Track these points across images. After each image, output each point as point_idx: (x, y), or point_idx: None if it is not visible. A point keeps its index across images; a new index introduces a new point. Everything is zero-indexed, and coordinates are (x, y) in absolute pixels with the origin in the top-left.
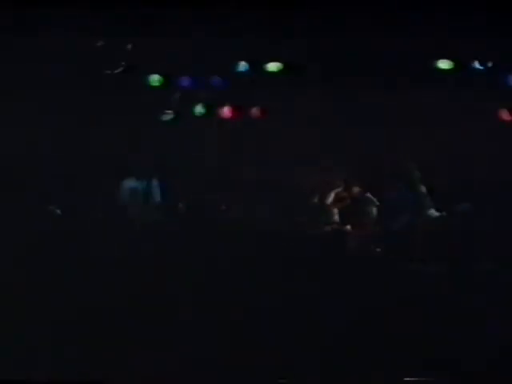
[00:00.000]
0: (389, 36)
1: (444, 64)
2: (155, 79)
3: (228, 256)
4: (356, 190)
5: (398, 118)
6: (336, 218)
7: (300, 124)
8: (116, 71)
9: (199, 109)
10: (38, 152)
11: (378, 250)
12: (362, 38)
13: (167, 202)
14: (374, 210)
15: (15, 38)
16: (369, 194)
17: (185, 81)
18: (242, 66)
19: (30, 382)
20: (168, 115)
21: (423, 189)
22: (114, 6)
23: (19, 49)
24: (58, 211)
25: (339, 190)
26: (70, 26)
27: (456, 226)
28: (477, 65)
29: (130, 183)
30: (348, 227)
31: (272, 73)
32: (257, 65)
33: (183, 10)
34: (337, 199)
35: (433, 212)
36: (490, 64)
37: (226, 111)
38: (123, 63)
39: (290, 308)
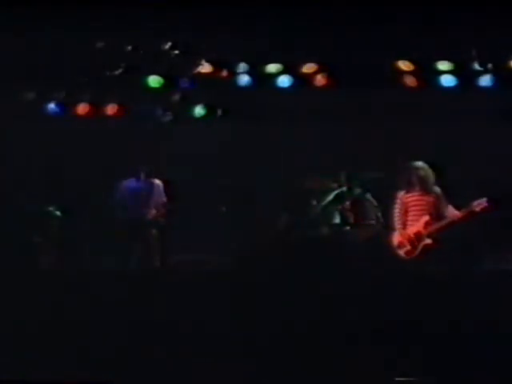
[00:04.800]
0: (389, 36)
1: (444, 65)
2: (155, 80)
3: (227, 256)
4: (356, 190)
5: (399, 118)
6: (336, 219)
7: (299, 124)
8: (116, 72)
9: (199, 110)
10: (38, 152)
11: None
12: (361, 37)
13: (167, 202)
14: (374, 211)
15: (15, 37)
16: (368, 195)
17: (185, 82)
18: (242, 66)
19: (30, 382)
20: (167, 116)
21: None
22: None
23: (18, 48)
24: (58, 212)
25: (339, 190)
26: (70, 26)
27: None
28: (476, 65)
29: (129, 183)
30: (347, 228)
31: (271, 74)
32: (256, 66)
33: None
34: (336, 200)
35: None
36: (489, 65)
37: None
38: (123, 64)
39: (289, 308)
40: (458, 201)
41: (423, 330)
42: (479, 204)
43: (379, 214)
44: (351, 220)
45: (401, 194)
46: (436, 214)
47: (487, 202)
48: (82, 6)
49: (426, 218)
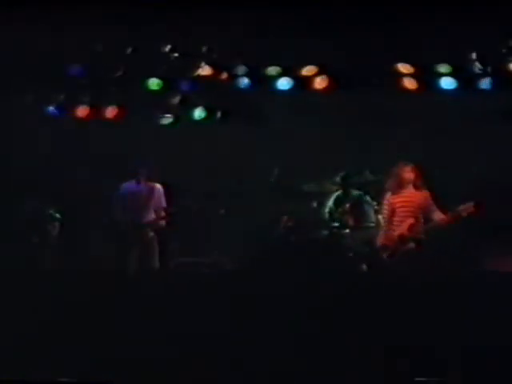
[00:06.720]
0: (388, 38)
1: (443, 67)
2: (155, 83)
3: (228, 257)
4: (355, 192)
5: (399, 118)
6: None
7: (300, 125)
8: (116, 74)
9: (199, 112)
10: (38, 153)
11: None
12: (361, 39)
13: (167, 205)
14: (373, 213)
15: (14, 37)
16: (368, 197)
17: (184, 84)
18: (242, 69)
19: (30, 382)
20: (167, 119)
21: None
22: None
23: (18, 48)
24: (58, 215)
25: (338, 192)
26: (70, 27)
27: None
28: (476, 67)
29: (129, 186)
30: (347, 230)
31: (271, 76)
32: (256, 68)
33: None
34: (336, 202)
35: None
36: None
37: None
38: (122, 66)
39: (289, 309)
40: (457, 202)
41: (423, 331)
42: (466, 208)
43: (379, 216)
44: (350, 222)
45: (388, 195)
46: (423, 217)
47: (474, 206)
48: (82, 6)
49: (411, 220)
